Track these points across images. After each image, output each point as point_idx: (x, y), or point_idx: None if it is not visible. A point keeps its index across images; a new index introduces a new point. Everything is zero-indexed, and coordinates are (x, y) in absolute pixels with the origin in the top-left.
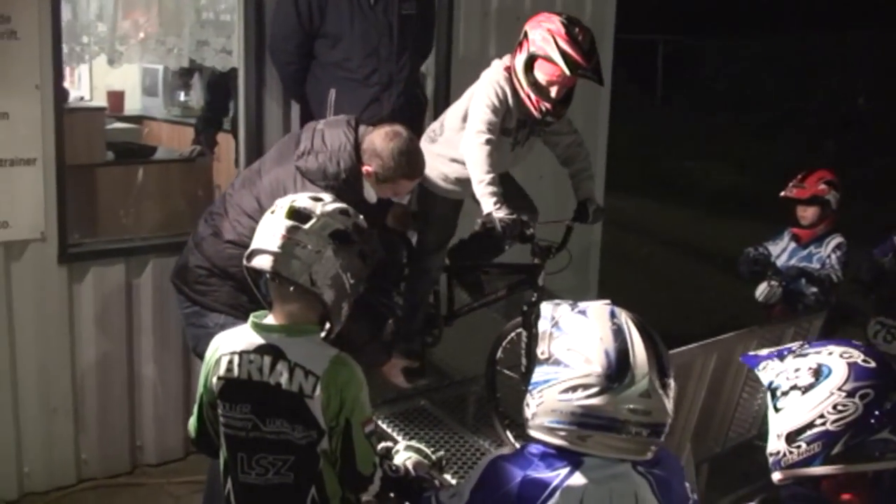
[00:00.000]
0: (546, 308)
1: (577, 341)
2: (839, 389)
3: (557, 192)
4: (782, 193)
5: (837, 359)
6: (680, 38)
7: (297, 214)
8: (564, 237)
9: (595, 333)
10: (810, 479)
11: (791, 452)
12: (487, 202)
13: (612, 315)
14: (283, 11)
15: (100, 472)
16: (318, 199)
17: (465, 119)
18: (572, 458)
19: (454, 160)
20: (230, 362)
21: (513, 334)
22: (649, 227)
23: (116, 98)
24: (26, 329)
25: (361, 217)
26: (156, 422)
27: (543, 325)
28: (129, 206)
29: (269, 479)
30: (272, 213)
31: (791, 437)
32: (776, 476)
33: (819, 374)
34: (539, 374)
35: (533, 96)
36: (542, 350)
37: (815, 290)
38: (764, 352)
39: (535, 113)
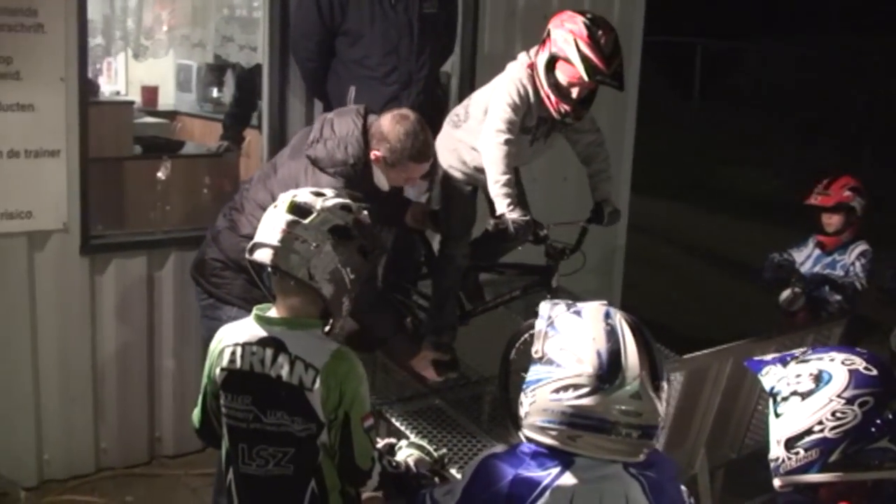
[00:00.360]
0: (543, 307)
1: (570, 341)
2: (838, 396)
3: (580, 194)
4: (807, 201)
5: (839, 365)
6: (719, 41)
7: (297, 209)
8: (579, 239)
9: (588, 334)
10: (809, 487)
11: (789, 458)
12: (501, 203)
13: (607, 316)
14: (304, 9)
15: (118, 461)
16: (319, 194)
17: (486, 112)
18: (563, 458)
19: (475, 149)
20: (233, 354)
21: (526, 335)
22: (680, 231)
23: (150, 93)
24: (48, 319)
25: (365, 213)
26: (174, 413)
27: (539, 325)
28: (155, 200)
29: (270, 470)
30: (275, 207)
31: (790, 443)
32: (776, 482)
33: (819, 380)
34: (533, 373)
35: (553, 97)
36: (536, 349)
37: (838, 297)
38: (768, 357)
39: (555, 114)
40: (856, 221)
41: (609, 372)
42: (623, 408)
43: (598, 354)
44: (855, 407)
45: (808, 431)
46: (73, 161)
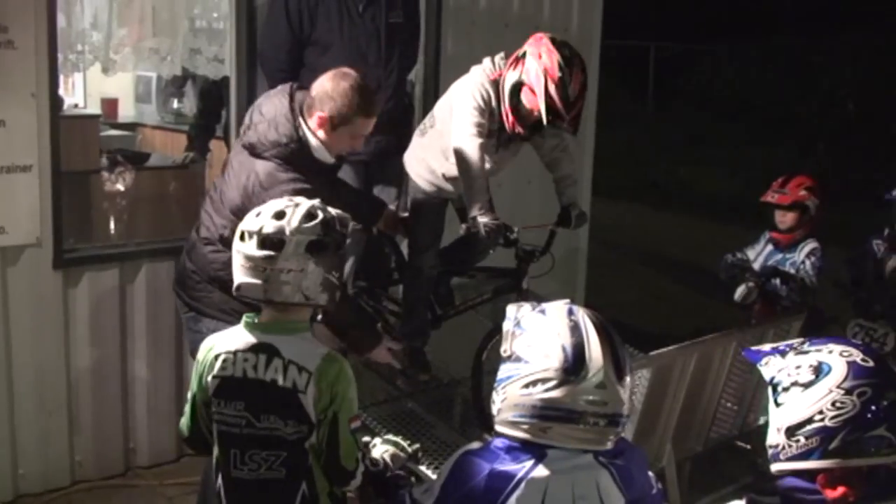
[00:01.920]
0: (510, 309)
1: (536, 338)
2: (838, 387)
3: (544, 198)
4: (763, 198)
5: (837, 357)
6: (671, 43)
7: (269, 243)
8: (548, 241)
9: (553, 330)
10: (807, 472)
11: (790, 446)
12: (473, 206)
13: (570, 312)
14: (273, 20)
15: (94, 473)
16: (280, 215)
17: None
18: (536, 451)
19: (443, 152)
20: (225, 361)
21: (497, 336)
22: (639, 232)
23: (111, 105)
24: (22, 333)
25: (325, 208)
26: (149, 424)
27: (507, 325)
28: (123, 212)
29: (262, 474)
30: (242, 240)
31: (791, 432)
32: (775, 467)
33: (819, 371)
34: (503, 371)
35: (510, 116)
36: (504, 348)
37: (789, 290)
38: (766, 347)
39: (508, 129)
40: (809, 220)
41: (574, 364)
42: (589, 398)
43: (564, 349)
44: (854, 397)
45: (809, 420)
46: (45, 176)
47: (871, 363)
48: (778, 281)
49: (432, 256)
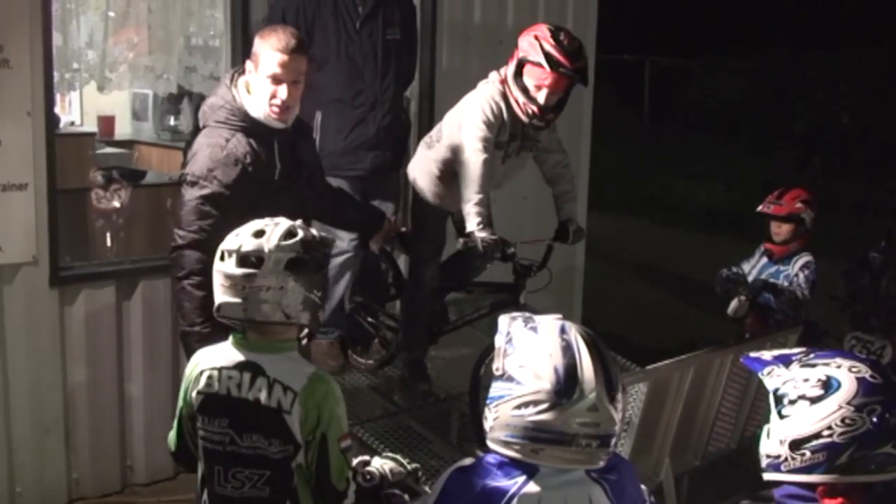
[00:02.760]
0: (502, 323)
1: (527, 358)
2: (848, 403)
3: (539, 213)
4: (759, 209)
5: (846, 373)
6: (667, 58)
7: (247, 261)
8: (545, 256)
9: (545, 350)
10: (808, 485)
11: (794, 458)
12: (472, 221)
13: (563, 331)
14: None
15: (91, 491)
16: (259, 234)
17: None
18: (528, 467)
19: (449, 169)
20: (210, 378)
21: (495, 351)
22: (636, 245)
23: (107, 123)
24: (18, 351)
25: (306, 228)
26: (146, 442)
27: (499, 341)
28: (120, 230)
29: (245, 492)
30: (221, 259)
31: (796, 445)
32: (771, 477)
33: (828, 386)
34: (495, 389)
35: (521, 99)
36: (496, 366)
37: (781, 303)
38: (767, 356)
39: (522, 115)
40: (805, 233)
41: (566, 387)
42: (581, 420)
43: (556, 370)
44: (864, 414)
45: (817, 435)
46: (41, 194)
47: (879, 380)
48: (770, 295)
49: (434, 268)
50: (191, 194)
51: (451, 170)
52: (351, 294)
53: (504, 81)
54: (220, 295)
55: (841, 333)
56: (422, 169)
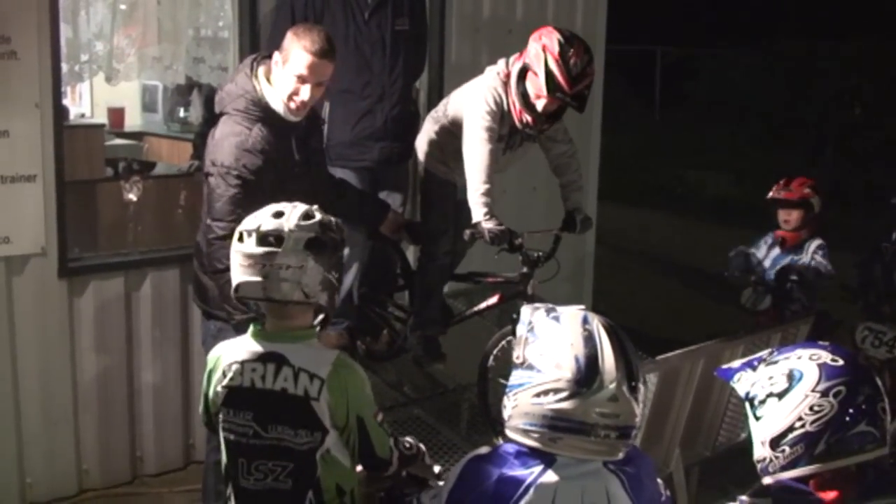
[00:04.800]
0: (525, 312)
1: (549, 347)
2: (813, 391)
3: (549, 203)
4: (770, 195)
5: (807, 361)
6: (678, 48)
7: (267, 240)
8: (553, 246)
9: (566, 339)
10: (799, 479)
11: (777, 457)
12: (478, 211)
13: (585, 321)
14: (280, 27)
15: (101, 482)
16: (279, 215)
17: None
18: (545, 457)
19: (455, 144)
20: (233, 371)
21: (503, 342)
22: (646, 236)
23: (117, 115)
24: (27, 342)
25: (323, 212)
26: (155, 432)
27: (520, 330)
28: (129, 221)
29: (267, 484)
30: (240, 240)
31: (774, 443)
32: (766, 481)
33: (792, 378)
34: (515, 377)
35: (518, 106)
36: (517, 355)
37: (801, 294)
38: (736, 364)
39: (517, 123)
40: (814, 219)
41: (587, 376)
42: (601, 410)
43: (577, 359)
44: (830, 398)
45: (791, 429)
46: (50, 185)
47: (840, 362)
48: (795, 277)
49: (446, 242)
50: (225, 184)
51: (456, 144)
52: (359, 286)
53: (508, 77)
54: (240, 275)
55: (853, 323)
56: (428, 142)
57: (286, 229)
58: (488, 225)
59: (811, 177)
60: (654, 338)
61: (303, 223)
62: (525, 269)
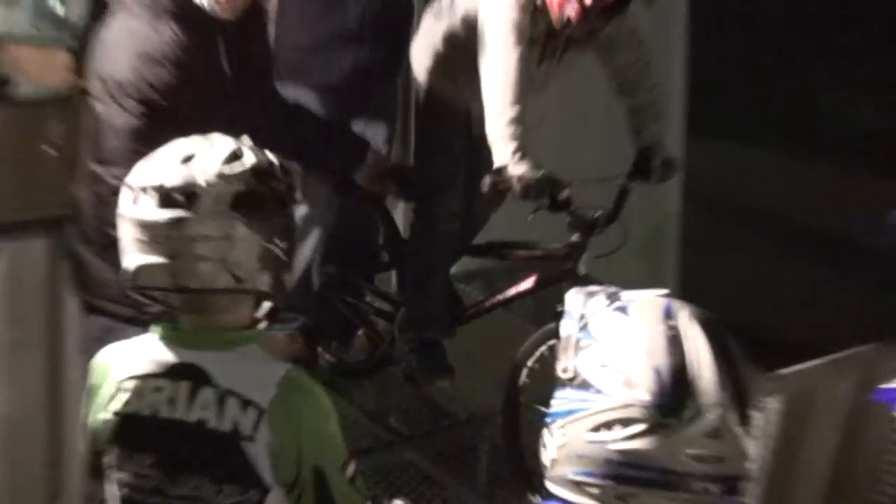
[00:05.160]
0: (572, 300)
1: (614, 354)
2: None
3: (610, 139)
4: None
5: None
6: None
7: (173, 199)
8: (617, 203)
9: (641, 343)
10: None
11: None
12: (504, 148)
13: (667, 314)
14: None
15: None
16: (188, 159)
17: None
18: None
19: (465, 52)
20: (129, 391)
21: (543, 348)
22: (758, 188)
23: None
24: None
25: (257, 150)
26: (7, 483)
27: (567, 328)
28: None
29: None
30: (133, 201)
31: None
32: None
33: None
34: (560, 402)
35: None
36: (564, 366)
37: None
38: None
39: (554, 18)
40: None
41: (674, 400)
42: (696, 452)
43: (658, 373)
44: None
45: None
46: None
47: None
48: None
49: (453, 198)
50: (120, 111)
51: (468, 52)
52: (322, 263)
53: None
54: (135, 254)
55: None
56: (428, 49)
57: (201, 181)
58: (519, 169)
59: None
60: (772, 340)
61: (226, 169)
62: (574, 238)
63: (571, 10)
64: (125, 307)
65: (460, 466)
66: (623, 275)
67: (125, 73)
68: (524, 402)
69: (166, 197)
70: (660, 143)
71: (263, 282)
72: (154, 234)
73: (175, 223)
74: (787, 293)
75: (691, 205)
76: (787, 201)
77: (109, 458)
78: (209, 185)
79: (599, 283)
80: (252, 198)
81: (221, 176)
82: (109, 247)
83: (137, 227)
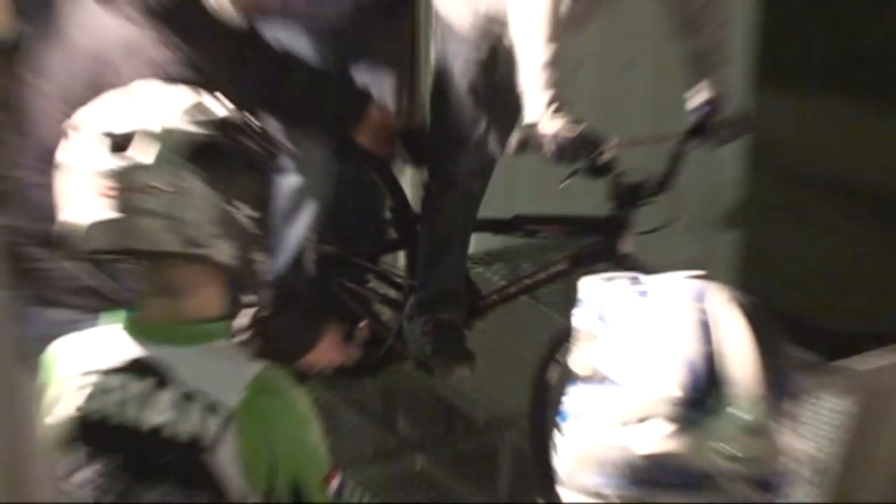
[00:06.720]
0: (587, 287)
1: (635, 345)
2: None
3: (661, 91)
4: None
5: None
6: None
7: (121, 145)
8: (670, 168)
9: (666, 330)
10: None
11: None
12: (537, 98)
13: (698, 297)
14: None
15: None
16: (143, 104)
17: None
18: None
19: None
20: (83, 390)
21: (571, 340)
22: (840, 149)
23: None
24: None
25: (230, 107)
26: None
27: (582, 317)
28: None
29: None
30: (78, 149)
31: None
32: None
33: None
34: (576, 399)
35: None
36: (578, 360)
37: None
38: None
39: None
40: None
41: (704, 392)
42: (728, 450)
43: (686, 364)
44: None
45: None
46: None
47: None
48: None
49: (474, 152)
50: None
51: None
52: (318, 241)
53: None
54: (74, 212)
55: None
56: None
57: (155, 127)
58: (554, 124)
59: None
60: (846, 329)
61: (187, 116)
62: (617, 210)
63: None
64: (89, 296)
65: (479, 476)
66: (674, 255)
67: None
68: (553, 400)
69: (114, 143)
70: (724, 95)
71: (222, 251)
72: (95, 184)
73: (121, 173)
74: (866, 278)
75: (758, 172)
76: (875, 169)
77: (71, 458)
78: (165, 130)
79: (644, 264)
80: (214, 151)
81: (181, 122)
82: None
83: (84, 177)
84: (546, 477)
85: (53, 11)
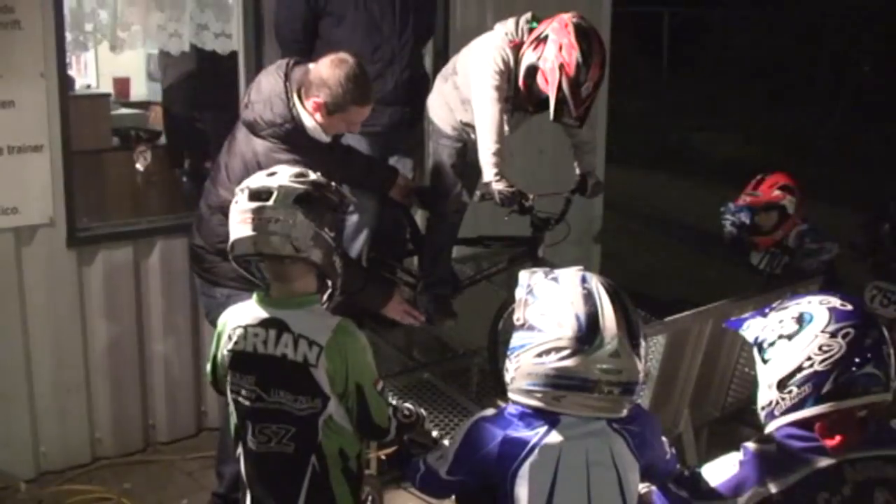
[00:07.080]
0: (523, 276)
1: (549, 307)
2: (822, 332)
3: (557, 166)
4: (736, 202)
5: (817, 305)
6: (685, 9)
7: (257, 195)
8: (563, 209)
9: (566, 298)
10: (804, 424)
11: (783, 399)
12: (489, 172)
13: (583, 280)
14: None
15: (113, 450)
16: (271, 174)
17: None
18: (549, 418)
19: (463, 103)
20: (237, 336)
21: (513, 306)
22: (655, 199)
23: (122, 84)
24: (38, 312)
25: (320, 176)
26: (167, 400)
27: (520, 293)
28: (136, 190)
29: (271, 447)
30: (235, 202)
31: (782, 384)
32: (772, 426)
33: (802, 320)
34: (516, 339)
35: (523, 90)
36: (517, 317)
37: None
38: (746, 314)
39: (524, 102)
40: (789, 219)
41: (588, 333)
42: (603, 366)
43: (577, 317)
44: (839, 339)
45: (799, 369)
46: (57, 155)
47: (850, 306)
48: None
49: (455, 200)
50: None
51: (463, 107)
52: (369, 250)
53: (520, 45)
54: (233, 233)
55: (861, 283)
56: (439, 101)
57: (276, 185)
58: (499, 186)
59: (784, 171)
60: (663, 301)
61: (293, 179)
62: (535, 232)
63: (530, 107)
64: (241, 281)
65: (459, 382)
66: (566, 257)
67: (240, 173)
68: (501, 340)
69: (254, 194)
70: (593, 170)
71: (316, 255)
72: (244, 217)
73: (257, 210)
74: (673, 268)
75: (609, 211)
76: (672, 208)
77: (229, 379)
78: (281, 186)
79: (552, 264)
80: (308, 196)
81: (291, 181)
82: (219, 244)
83: (236, 214)
84: (500, 384)
85: (232, 136)
